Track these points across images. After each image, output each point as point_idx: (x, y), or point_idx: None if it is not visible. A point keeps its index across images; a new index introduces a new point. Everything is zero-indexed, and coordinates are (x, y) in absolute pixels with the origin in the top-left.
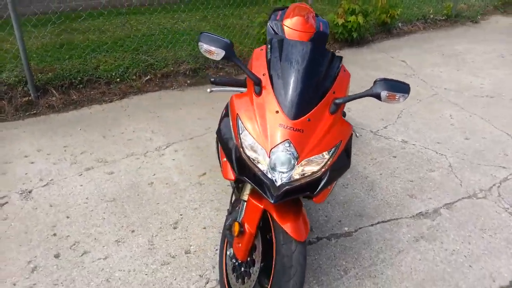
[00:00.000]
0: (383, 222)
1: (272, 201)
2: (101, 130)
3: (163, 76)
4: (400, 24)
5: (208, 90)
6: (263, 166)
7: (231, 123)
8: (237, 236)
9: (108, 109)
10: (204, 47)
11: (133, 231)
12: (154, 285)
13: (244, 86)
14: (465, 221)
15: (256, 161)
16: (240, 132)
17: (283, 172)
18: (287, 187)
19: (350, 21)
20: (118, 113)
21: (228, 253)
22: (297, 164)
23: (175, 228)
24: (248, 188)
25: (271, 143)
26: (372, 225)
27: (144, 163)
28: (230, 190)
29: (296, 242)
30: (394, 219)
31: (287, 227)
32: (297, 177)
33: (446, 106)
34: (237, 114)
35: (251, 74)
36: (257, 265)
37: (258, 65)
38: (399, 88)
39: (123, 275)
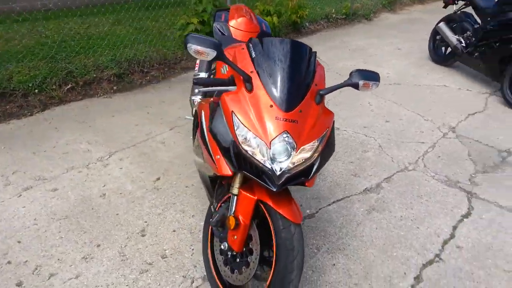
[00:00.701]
0: (337, 201)
1: (275, 189)
2: (28, 147)
3: (85, 83)
4: (307, 24)
5: (196, 91)
6: (262, 158)
7: (225, 121)
8: (233, 229)
9: (30, 123)
10: (193, 48)
11: (98, 245)
12: (126, 286)
13: (227, 84)
14: (404, 191)
15: (254, 154)
16: (236, 128)
17: (281, 162)
18: (287, 175)
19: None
20: (43, 127)
21: (218, 248)
22: (295, 152)
23: (143, 235)
24: (237, 182)
25: (271, 135)
26: (329, 204)
27: (89, 176)
28: (189, 191)
29: (295, 225)
30: (346, 197)
31: (285, 212)
32: (293, 165)
33: (363, 95)
34: (232, 111)
35: (241, 72)
36: (256, 253)
37: (244, 63)
38: (371, 77)
39: None
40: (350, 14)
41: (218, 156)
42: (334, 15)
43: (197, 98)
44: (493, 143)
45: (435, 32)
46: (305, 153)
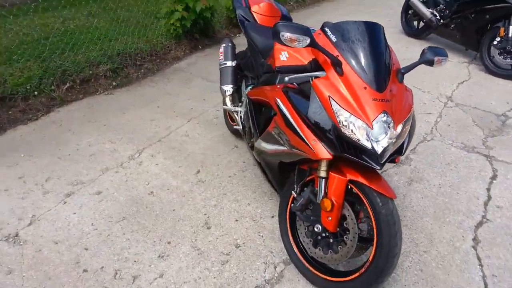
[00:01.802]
0: None
1: (379, 168)
2: (49, 152)
3: (83, 81)
4: None
5: (286, 79)
6: (363, 138)
7: (322, 106)
8: (329, 210)
9: (39, 127)
10: (287, 36)
11: (169, 242)
12: (229, 285)
13: (313, 70)
14: (432, 160)
15: (356, 135)
16: (336, 112)
17: (380, 140)
18: (387, 152)
19: None
20: (55, 130)
21: (304, 231)
22: (394, 130)
23: (209, 228)
24: (325, 165)
25: (371, 116)
26: None
27: (128, 175)
28: (234, 180)
29: (391, 200)
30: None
31: (381, 189)
32: (391, 143)
33: None
34: (329, 96)
35: (332, 56)
36: (354, 231)
37: (327, 48)
38: (442, 53)
39: (193, 286)
40: None
41: (314, 142)
42: None
43: (229, 88)
44: (489, 108)
45: (407, 6)
46: (400, 130)
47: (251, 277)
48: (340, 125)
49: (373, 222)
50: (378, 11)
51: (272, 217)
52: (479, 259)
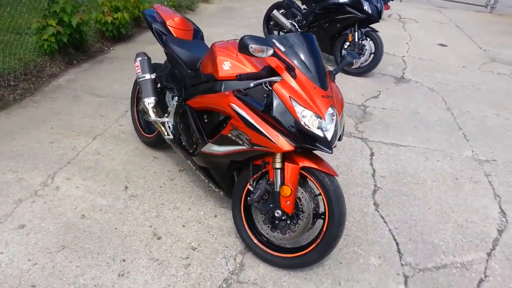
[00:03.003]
0: None
1: (331, 152)
2: None
3: None
4: None
5: (252, 84)
6: (317, 129)
7: (283, 105)
8: (288, 196)
9: None
10: (254, 47)
11: (124, 260)
12: (199, 285)
13: (268, 76)
14: None
15: (311, 127)
16: (297, 109)
17: (328, 130)
18: (334, 138)
19: (117, 18)
20: None
21: (261, 219)
22: (338, 120)
23: (159, 238)
24: (279, 157)
25: (323, 110)
26: None
27: (49, 203)
28: (166, 189)
29: (335, 178)
30: None
31: (327, 170)
32: (335, 131)
33: None
34: (289, 96)
35: (288, 63)
36: (309, 209)
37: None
38: (356, 56)
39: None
40: (176, 6)
41: (277, 137)
42: None
43: (151, 100)
44: (351, 100)
45: (268, 18)
46: (340, 120)
47: (216, 272)
48: (300, 120)
49: (324, 198)
50: (237, 23)
51: (215, 216)
52: (382, 217)
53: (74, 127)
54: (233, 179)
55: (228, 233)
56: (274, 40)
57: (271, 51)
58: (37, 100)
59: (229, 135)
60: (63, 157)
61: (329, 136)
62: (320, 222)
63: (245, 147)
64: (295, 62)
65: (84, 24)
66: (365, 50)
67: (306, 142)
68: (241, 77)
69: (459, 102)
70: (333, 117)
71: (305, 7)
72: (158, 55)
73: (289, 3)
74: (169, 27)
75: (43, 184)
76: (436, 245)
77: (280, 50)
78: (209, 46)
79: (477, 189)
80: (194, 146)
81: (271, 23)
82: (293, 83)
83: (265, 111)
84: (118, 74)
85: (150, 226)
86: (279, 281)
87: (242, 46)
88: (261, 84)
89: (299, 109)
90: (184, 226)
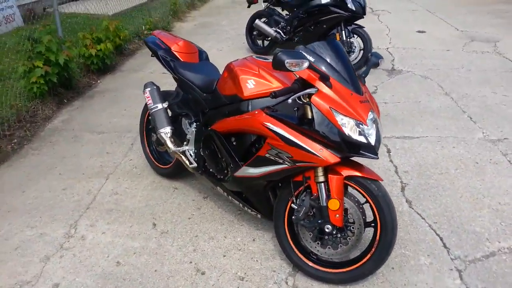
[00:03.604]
0: None
1: (377, 157)
2: None
3: None
4: (126, 45)
5: (290, 100)
6: (361, 136)
7: (325, 117)
8: (337, 209)
9: None
10: (289, 61)
11: None
12: None
13: (302, 89)
14: None
15: (355, 135)
16: (340, 119)
17: (371, 135)
18: (378, 143)
19: (101, 49)
20: None
21: (309, 237)
22: (378, 124)
23: (203, 273)
24: (321, 171)
25: (365, 116)
26: None
27: (78, 255)
28: (196, 219)
29: (381, 183)
30: None
31: (372, 176)
32: (378, 135)
33: None
34: (330, 107)
35: (322, 73)
36: (359, 219)
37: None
38: (380, 56)
39: None
40: (152, 28)
41: (321, 150)
42: (145, 32)
43: (168, 130)
44: None
45: (250, 29)
46: (379, 123)
47: None
48: (343, 129)
49: (373, 206)
50: (217, 37)
51: (254, 240)
52: (419, 214)
53: (83, 169)
54: (269, 199)
55: (272, 256)
56: (301, 52)
57: (306, 64)
58: (37, 147)
59: (267, 155)
60: (80, 203)
61: (372, 141)
62: (368, 230)
63: (286, 165)
64: (328, 70)
65: (70, 61)
66: (354, 48)
67: (351, 151)
68: (275, 94)
69: (454, 85)
70: (374, 122)
71: (287, 13)
72: (147, 81)
73: (270, 11)
74: (174, 53)
75: (67, 235)
76: (479, 233)
77: (311, 61)
78: (215, 66)
79: (499, 170)
80: (225, 171)
81: (254, 33)
82: (330, 92)
83: (300, 125)
84: (113, 107)
85: (191, 262)
86: None
87: (278, 62)
88: (295, 98)
89: (340, 118)
90: (225, 256)
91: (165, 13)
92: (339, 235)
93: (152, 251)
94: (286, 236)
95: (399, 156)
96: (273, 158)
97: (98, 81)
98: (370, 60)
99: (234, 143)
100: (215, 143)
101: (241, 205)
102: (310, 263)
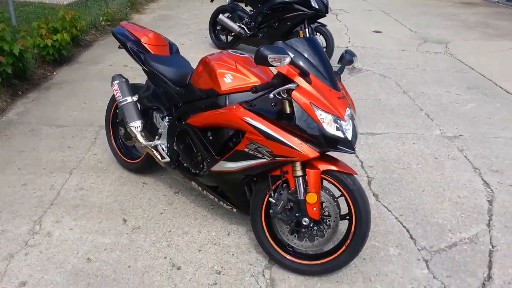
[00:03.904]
0: None
1: (354, 152)
2: None
3: None
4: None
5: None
6: (339, 131)
7: (305, 112)
8: (314, 202)
9: None
10: (271, 56)
11: None
12: None
13: (282, 84)
14: None
15: (334, 130)
16: (319, 114)
17: (348, 130)
18: (355, 139)
19: (57, 39)
20: None
21: (286, 230)
22: (355, 120)
23: (179, 268)
24: (299, 165)
25: (342, 112)
26: None
27: (45, 252)
28: (168, 215)
29: (356, 176)
30: None
31: (347, 170)
32: (354, 130)
33: None
34: (310, 102)
35: (303, 68)
36: (335, 212)
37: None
38: (353, 54)
39: None
40: (111, 20)
41: (301, 145)
42: (103, 23)
43: (138, 123)
44: None
45: (213, 24)
46: (355, 119)
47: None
48: (322, 125)
49: (349, 199)
50: (178, 31)
51: (228, 234)
52: (385, 207)
53: (43, 164)
54: (245, 193)
55: (247, 250)
56: (286, 45)
57: (288, 59)
58: None
59: (246, 150)
60: (43, 198)
61: (349, 136)
62: (342, 223)
63: (265, 160)
64: (307, 66)
65: (26, 51)
66: None
67: (329, 145)
68: (256, 89)
69: (411, 84)
70: (351, 118)
71: (251, 9)
72: (105, 74)
73: (234, 6)
74: (144, 45)
75: (31, 232)
76: (441, 225)
77: (291, 56)
78: (186, 59)
79: (457, 165)
80: (201, 166)
81: (218, 28)
82: (309, 88)
83: (278, 120)
84: (72, 100)
85: (165, 257)
86: None
87: (260, 57)
88: (275, 93)
89: (320, 114)
90: (200, 250)
91: (123, 4)
92: (315, 228)
93: (124, 247)
94: (263, 230)
95: (364, 152)
96: (252, 152)
97: (54, 73)
98: (345, 57)
99: (210, 138)
100: (190, 137)
101: (216, 199)
102: (287, 256)
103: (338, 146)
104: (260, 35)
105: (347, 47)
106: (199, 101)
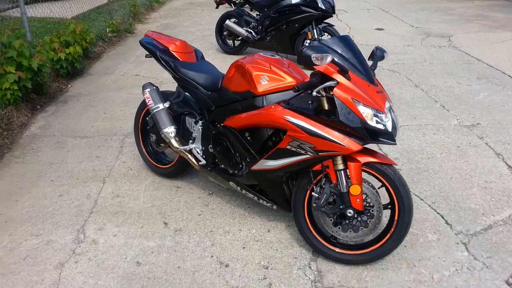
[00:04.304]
0: None
1: (395, 143)
2: None
3: None
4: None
5: (315, 93)
6: (380, 124)
7: (348, 108)
8: (358, 194)
9: None
10: (314, 56)
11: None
12: None
13: (321, 83)
14: None
15: (375, 123)
16: (361, 109)
17: (388, 122)
18: (395, 130)
19: (70, 53)
20: None
21: (330, 223)
22: (393, 113)
23: (227, 266)
24: (339, 159)
25: (382, 105)
26: None
27: (94, 259)
28: (207, 215)
29: (395, 167)
30: None
31: (387, 161)
32: (394, 122)
33: None
34: (351, 98)
35: (343, 66)
36: (378, 202)
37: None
38: (384, 50)
39: None
40: (116, 31)
41: (344, 139)
42: (109, 35)
43: (172, 129)
44: None
45: (219, 29)
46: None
47: (300, 285)
48: (365, 119)
49: (391, 189)
50: (183, 38)
51: (268, 231)
52: (417, 196)
53: (75, 174)
54: (285, 190)
55: (290, 245)
56: (323, 44)
57: (330, 58)
58: (19, 155)
59: (288, 147)
60: (82, 208)
61: (390, 128)
62: (385, 213)
63: (308, 156)
64: (345, 64)
65: (44, 65)
66: None
67: (372, 138)
68: (298, 88)
69: (421, 78)
70: (390, 110)
71: (257, 13)
72: (119, 84)
73: (240, 12)
74: (173, 53)
75: (76, 241)
76: (474, 209)
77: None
78: (212, 64)
79: (479, 152)
80: (240, 166)
81: (225, 33)
82: (349, 84)
83: (317, 116)
84: (91, 111)
85: (212, 256)
86: (361, 277)
87: (304, 57)
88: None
89: (362, 108)
90: (244, 247)
91: (125, 15)
92: (359, 219)
93: (170, 249)
94: (307, 224)
95: (386, 145)
96: (294, 149)
97: (69, 86)
98: (376, 54)
99: (248, 138)
100: (227, 139)
101: (255, 197)
102: (332, 247)
103: (380, 138)
104: (268, 38)
105: None
106: (235, 103)
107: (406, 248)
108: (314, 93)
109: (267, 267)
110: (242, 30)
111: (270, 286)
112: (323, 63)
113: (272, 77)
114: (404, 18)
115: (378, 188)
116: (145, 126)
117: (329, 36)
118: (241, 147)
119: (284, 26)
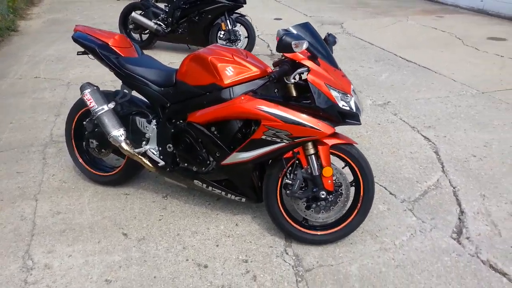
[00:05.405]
0: None
1: (360, 123)
2: None
3: None
4: None
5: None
6: (347, 106)
7: (321, 92)
8: (330, 175)
9: None
10: (294, 43)
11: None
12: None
13: (295, 69)
14: None
15: (345, 105)
16: (333, 93)
17: (354, 104)
18: (360, 111)
19: None
20: None
21: (303, 206)
22: (356, 95)
23: (205, 266)
24: (310, 144)
25: (348, 88)
26: None
27: (52, 285)
28: (168, 219)
29: (356, 145)
30: None
31: (350, 141)
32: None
33: None
34: (324, 83)
35: (313, 52)
36: (346, 181)
37: None
38: (334, 36)
39: None
40: None
41: (319, 123)
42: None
43: (121, 131)
44: None
45: (123, 22)
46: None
47: (283, 272)
48: (338, 102)
49: (355, 167)
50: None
51: (237, 225)
52: None
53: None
54: (253, 182)
55: (261, 235)
56: (286, 32)
57: (306, 44)
58: None
59: (263, 137)
60: (19, 231)
61: (355, 109)
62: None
63: (283, 144)
64: (314, 50)
65: None
66: (239, 36)
67: (342, 120)
68: (274, 76)
69: None
70: (355, 93)
71: (166, 4)
72: (19, 89)
73: (146, 3)
74: (113, 48)
75: (24, 269)
76: (409, 178)
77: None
78: (155, 59)
79: (398, 127)
80: (207, 162)
81: (130, 26)
82: (320, 70)
83: (288, 103)
84: None
85: (187, 260)
86: (335, 254)
87: (284, 45)
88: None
89: (334, 92)
90: (218, 245)
91: (3, 10)
92: (330, 199)
93: (139, 260)
94: (280, 212)
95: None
96: (270, 138)
97: None
98: (329, 40)
99: (215, 132)
100: (191, 136)
101: (223, 193)
102: (306, 230)
103: (347, 120)
104: (180, 30)
105: (258, 36)
106: (198, 98)
107: (366, 221)
108: (292, 80)
109: (246, 260)
110: (150, 23)
111: (255, 278)
112: (300, 49)
113: (236, 67)
114: (297, 7)
115: (342, 167)
116: (80, 132)
117: (242, 27)
118: (210, 142)
119: (197, 18)
